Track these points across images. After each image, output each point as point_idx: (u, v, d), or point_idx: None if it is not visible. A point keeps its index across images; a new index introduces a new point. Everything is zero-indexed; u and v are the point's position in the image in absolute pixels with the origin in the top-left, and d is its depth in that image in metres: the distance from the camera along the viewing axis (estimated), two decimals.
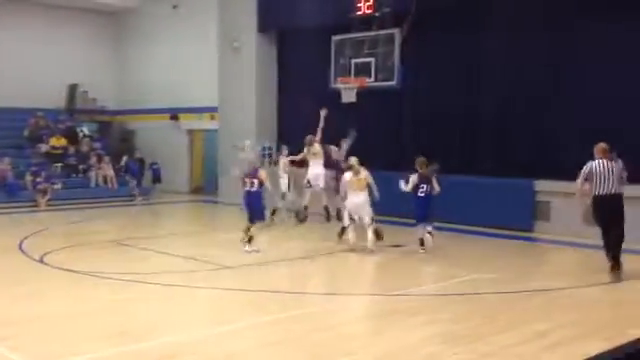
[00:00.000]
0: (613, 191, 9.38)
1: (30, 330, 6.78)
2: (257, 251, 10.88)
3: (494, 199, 13.73)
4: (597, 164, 9.46)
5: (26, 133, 20.64)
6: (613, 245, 9.43)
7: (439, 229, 13.53)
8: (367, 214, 11.24)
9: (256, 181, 10.91)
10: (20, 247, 11.52)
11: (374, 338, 6.55)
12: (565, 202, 13.03)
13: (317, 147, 13.62)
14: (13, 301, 7.96)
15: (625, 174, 9.56)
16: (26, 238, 12.37)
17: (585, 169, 9.51)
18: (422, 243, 11.07)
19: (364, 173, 11.29)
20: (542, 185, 13.42)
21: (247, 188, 11.05)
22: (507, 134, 14.37)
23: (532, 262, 11.22)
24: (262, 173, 11.05)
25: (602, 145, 9.63)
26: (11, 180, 17.97)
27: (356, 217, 11.27)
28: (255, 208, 11.00)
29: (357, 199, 11.20)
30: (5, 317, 7.23)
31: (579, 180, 9.57)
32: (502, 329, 6.80)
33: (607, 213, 9.44)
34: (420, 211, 11.04)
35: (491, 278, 9.29)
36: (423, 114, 15.81)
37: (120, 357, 5.98)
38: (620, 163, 9.57)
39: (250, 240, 10.97)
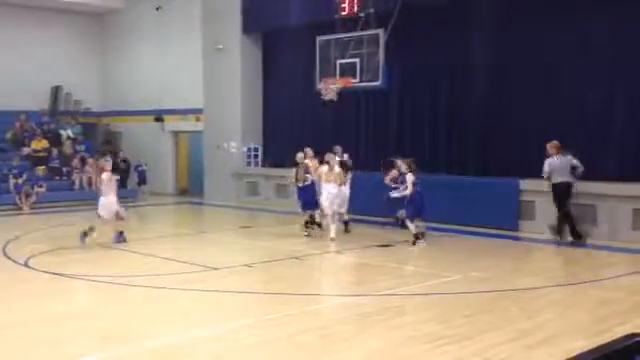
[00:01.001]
0: (566, 180, 11.99)
1: (14, 334, 6.73)
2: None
3: (479, 198, 13.81)
4: (554, 160, 11.96)
5: (9, 136, 20.46)
6: (569, 221, 12.00)
7: (427, 229, 13.62)
8: (341, 205, 12.75)
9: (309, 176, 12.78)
10: (4, 251, 11.42)
11: (359, 338, 6.57)
12: (549, 201, 13.16)
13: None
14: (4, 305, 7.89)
15: (579, 168, 11.92)
16: (10, 242, 12.27)
17: (546, 167, 12.01)
18: (423, 235, 11.90)
19: (338, 169, 12.66)
20: (527, 184, 13.52)
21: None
22: (491, 133, 14.47)
23: (517, 261, 11.29)
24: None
25: (556, 143, 12.04)
26: None
27: (334, 207, 12.49)
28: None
29: (332, 189, 12.50)
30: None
31: (546, 176, 12.08)
32: (487, 328, 6.84)
33: (563, 197, 12.02)
34: (418, 206, 11.86)
35: (476, 277, 9.35)
36: (408, 114, 15.91)
37: None
38: (569, 157, 11.98)
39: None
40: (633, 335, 2.59)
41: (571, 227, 12.06)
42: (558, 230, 12.15)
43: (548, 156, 12.09)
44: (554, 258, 11.70)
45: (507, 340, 6.43)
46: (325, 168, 12.73)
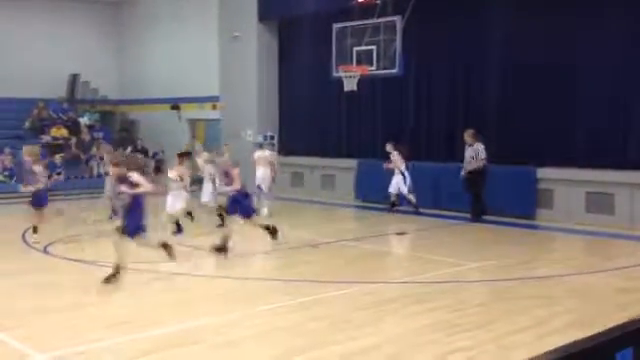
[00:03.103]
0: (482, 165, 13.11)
1: (37, 320, 6.81)
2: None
3: (496, 186, 13.70)
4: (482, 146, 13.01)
5: (27, 124, 20.65)
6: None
7: (442, 217, 13.58)
8: (266, 186, 14.05)
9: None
10: (23, 238, 11.55)
11: (373, 326, 6.56)
12: (567, 189, 13.05)
13: None
14: (19, 291, 7.99)
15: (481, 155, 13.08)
16: (29, 229, 12.40)
17: (481, 152, 13.04)
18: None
19: (268, 153, 14.40)
20: (544, 172, 13.40)
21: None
22: (509, 121, 14.32)
23: (534, 249, 11.20)
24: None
25: (473, 131, 13.20)
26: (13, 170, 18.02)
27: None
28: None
29: (259, 172, 13.93)
30: (12, 307, 7.27)
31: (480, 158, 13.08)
32: (501, 316, 6.80)
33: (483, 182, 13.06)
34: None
35: (493, 265, 9.30)
36: (424, 102, 15.78)
37: (125, 346, 6.01)
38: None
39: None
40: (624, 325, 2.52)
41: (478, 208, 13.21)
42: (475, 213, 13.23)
43: (469, 144, 13.22)
44: (573, 246, 11.60)
45: (523, 328, 6.39)
46: (256, 153, 14.45)
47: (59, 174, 18.55)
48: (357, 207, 15.95)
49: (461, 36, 14.89)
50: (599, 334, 2.40)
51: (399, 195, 14.43)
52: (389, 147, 14.38)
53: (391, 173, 14.34)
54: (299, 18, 17.86)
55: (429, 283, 8.32)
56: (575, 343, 2.24)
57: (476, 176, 13.11)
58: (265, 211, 13.77)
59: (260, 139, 18.37)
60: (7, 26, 21.29)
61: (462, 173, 13.29)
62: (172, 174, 12.05)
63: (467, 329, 6.36)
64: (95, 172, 19.73)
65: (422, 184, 14.55)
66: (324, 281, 8.45)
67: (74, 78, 22.87)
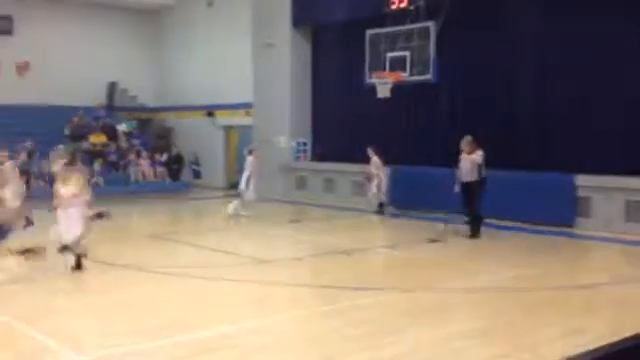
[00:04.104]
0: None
1: (72, 322, 6.95)
2: None
3: (534, 194, 13.50)
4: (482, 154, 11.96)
5: (67, 131, 21.09)
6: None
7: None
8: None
9: None
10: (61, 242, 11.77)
11: (407, 332, 6.53)
12: (607, 198, 12.79)
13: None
14: (56, 294, 8.17)
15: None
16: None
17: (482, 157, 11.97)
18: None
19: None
20: (583, 180, 13.15)
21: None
22: (546, 128, 14.13)
23: (574, 258, 11.02)
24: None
25: (471, 138, 12.16)
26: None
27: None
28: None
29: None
30: (48, 309, 7.44)
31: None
32: (539, 325, 6.71)
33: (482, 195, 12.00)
34: None
35: (530, 274, 9.17)
36: (459, 108, 15.66)
37: (161, 350, 6.09)
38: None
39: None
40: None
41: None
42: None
43: (467, 153, 12.14)
44: (612, 255, 11.37)
45: (560, 337, 6.29)
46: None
47: (98, 180, 18.89)
48: (391, 214, 15.87)
49: (495, 41, 14.75)
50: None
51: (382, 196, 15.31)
52: (370, 151, 15.10)
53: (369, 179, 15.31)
54: (332, 25, 17.92)
55: (464, 291, 8.24)
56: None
57: (475, 188, 11.99)
58: (230, 207, 14.88)
59: (293, 144, 18.53)
60: (47, 35, 21.81)
61: (456, 188, 12.09)
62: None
63: (502, 338, 6.29)
64: (132, 178, 20.11)
65: (450, 189, 14.41)
66: (357, 288, 8.44)
67: (112, 86, 23.33)
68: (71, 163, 9.40)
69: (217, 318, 7.10)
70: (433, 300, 7.82)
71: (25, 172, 18.15)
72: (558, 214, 13.26)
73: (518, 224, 13.31)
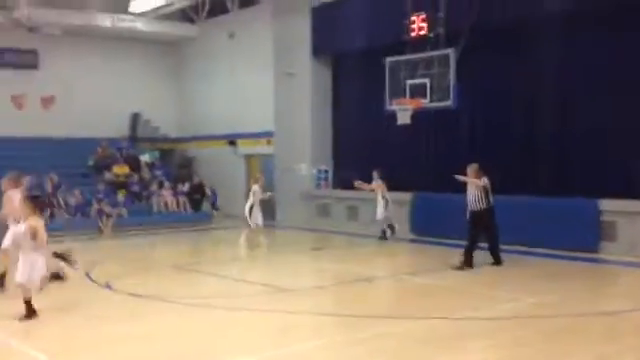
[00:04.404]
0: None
1: (96, 353, 6.99)
2: None
3: (557, 220, 13.35)
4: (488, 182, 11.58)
5: (91, 162, 21.40)
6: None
7: (501, 251, 13.29)
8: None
9: None
10: (87, 273, 11.90)
11: None
12: (632, 222, 12.61)
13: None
14: (80, 325, 8.22)
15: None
16: (92, 264, 12.77)
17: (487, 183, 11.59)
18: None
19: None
20: (607, 204, 12.98)
21: None
22: (568, 153, 14.04)
23: (597, 284, 10.85)
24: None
25: (477, 165, 11.82)
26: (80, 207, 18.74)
27: None
28: None
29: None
30: (72, 340, 7.48)
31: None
32: (565, 352, 6.59)
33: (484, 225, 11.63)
34: None
35: (553, 300, 9.04)
36: (480, 133, 15.62)
37: None
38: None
39: None
40: None
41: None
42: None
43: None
44: (637, 281, 11.16)
45: None
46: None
47: (121, 210, 19.09)
48: (411, 241, 15.80)
49: (514, 66, 14.76)
50: None
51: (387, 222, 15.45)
52: (375, 175, 15.42)
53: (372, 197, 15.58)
54: (352, 53, 18.08)
55: (487, 319, 8.14)
56: None
57: (482, 217, 11.58)
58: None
59: (314, 172, 18.62)
60: (71, 68, 22.25)
61: (467, 215, 11.79)
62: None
63: None
64: (155, 208, 20.29)
65: None
66: (378, 316, 8.38)
67: (135, 117, 23.66)
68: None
69: (238, 348, 7.09)
70: (455, 328, 7.73)
71: (49, 204, 18.52)
72: (582, 239, 13.08)
73: (541, 250, 13.15)
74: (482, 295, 9.84)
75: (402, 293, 10.33)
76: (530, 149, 14.72)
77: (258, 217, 14.98)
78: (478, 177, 11.67)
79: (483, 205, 11.57)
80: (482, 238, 11.83)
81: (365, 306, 9.07)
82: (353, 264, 12.61)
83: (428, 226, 15.57)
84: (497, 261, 11.80)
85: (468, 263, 11.47)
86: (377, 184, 15.39)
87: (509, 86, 14.99)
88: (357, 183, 15.85)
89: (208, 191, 21.51)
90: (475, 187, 11.62)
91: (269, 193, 16.25)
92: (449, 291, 10.09)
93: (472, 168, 11.86)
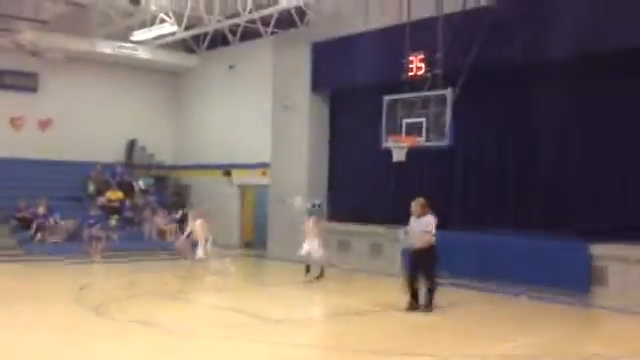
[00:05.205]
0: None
1: None
2: None
3: (547, 262, 13.38)
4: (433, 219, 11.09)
5: (91, 188, 21.34)
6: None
7: (492, 291, 13.30)
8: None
9: None
10: (75, 298, 11.82)
11: None
12: (624, 267, 12.65)
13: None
14: (65, 350, 8.14)
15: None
16: (81, 289, 12.69)
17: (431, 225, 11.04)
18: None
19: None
20: (598, 249, 13.04)
21: None
22: (560, 196, 14.14)
23: (587, 328, 10.86)
24: None
25: (423, 200, 11.35)
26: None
27: None
28: None
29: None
30: None
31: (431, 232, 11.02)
32: None
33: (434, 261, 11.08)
34: None
35: (544, 342, 9.03)
36: (474, 172, 15.77)
37: None
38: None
39: None
40: None
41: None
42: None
43: (417, 216, 11.29)
44: (627, 327, 11.16)
45: None
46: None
47: (110, 235, 19.02)
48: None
49: (512, 109, 14.99)
50: None
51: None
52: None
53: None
54: (350, 89, 18.28)
55: (476, 357, 8.11)
56: None
57: (426, 254, 11.09)
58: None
59: (308, 205, 18.64)
60: (70, 92, 22.39)
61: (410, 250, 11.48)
62: None
63: None
64: (147, 235, 20.22)
65: (469, 254, 14.38)
66: (365, 350, 8.34)
67: (132, 143, 23.73)
68: None
69: None
70: None
71: (41, 226, 18.47)
72: (573, 282, 13.09)
73: (531, 292, 13.14)
74: (472, 334, 9.80)
75: (391, 329, 10.28)
76: (523, 189, 14.84)
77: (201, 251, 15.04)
78: (424, 212, 11.20)
79: (425, 243, 11.01)
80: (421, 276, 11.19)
81: (353, 341, 9.02)
82: (346, 297, 12.57)
83: None
84: (427, 305, 11.06)
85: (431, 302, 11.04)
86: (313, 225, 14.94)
87: (504, 126, 15.21)
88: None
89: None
90: (421, 223, 11.10)
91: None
92: (438, 329, 10.07)
93: (418, 203, 11.35)
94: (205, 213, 15.69)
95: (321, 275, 14.52)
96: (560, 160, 14.23)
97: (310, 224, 14.80)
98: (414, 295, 11.09)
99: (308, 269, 14.50)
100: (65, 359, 7.67)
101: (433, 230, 11.04)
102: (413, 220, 11.29)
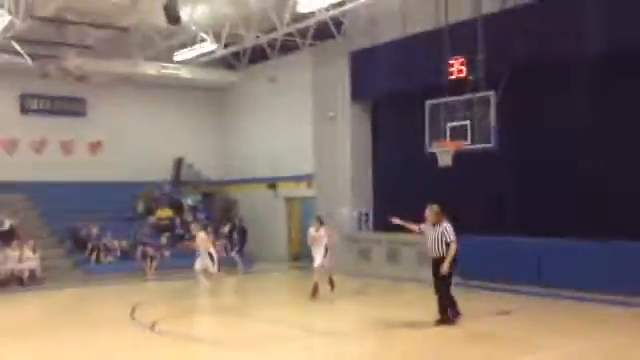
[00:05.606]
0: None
1: None
2: None
3: (611, 261, 12.94)
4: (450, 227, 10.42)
5: (141, 208, 21.78)
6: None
7: (549, 295, 12.97)
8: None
9: None
10: (131, 315, 12.04)
11: None
12: None
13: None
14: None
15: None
16: (136, 306, 12.92)
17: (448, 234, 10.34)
18: None
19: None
20: None
21: None
22: (613, 193, 13.75)
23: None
24: None
25: (438, 207, 10.57)
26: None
27: None
28: None
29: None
30: None
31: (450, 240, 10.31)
32: None
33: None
34: None
35: (601, 347, 8.76)
36: (523, 176, 15.46)
37: None
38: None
39: None
40: None
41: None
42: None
43: (432, 224, 10.58)
44: None
45: None
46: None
47: (163, 253, 19.32)
48: (457, 284, 15.50)
49: (558, 109, 14.65)
50: None
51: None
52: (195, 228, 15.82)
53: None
54: (392, 96, 18.20)
55: None
56: None
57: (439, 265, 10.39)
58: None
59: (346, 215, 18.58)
60: (118, 115, 22.98)
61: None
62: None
63: None
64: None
65: (521, 259, 14.10)
66: None
67: (179, 161, 24.14)
68: None
69: None
70: None
71: (95, 246, 18.92)
72: (636, 285, 12.64)
73: (592, 295, 12.75)
74: (528, 341, 9.58)
75: (445, 340, 10.13)
76: (574, 189, 14.47)
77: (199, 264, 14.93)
78: (438, 220, 10.48)
79: (442, 252, 10.32)
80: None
81: (408, 352, 8.93)
82: (396, 309, 12.45)
83: (474, 269, 15.31)
84: (441, 318, 10.40)
85: (450, 316, 10.39)
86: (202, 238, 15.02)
87: (552, 128, 14.86)
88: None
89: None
90: (436, 231, 10.42)
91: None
92: (493, 337, 9.87)
93: (431, 210, 10.59)
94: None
95: (332, 285, 13.84)
96: (611, 159, 13.81)
97: (321, 233, 13.73)
98: (443, 306, 10.47)
99: (316, 289, 13.56)
100: None
101: (451, 238, 10.32)
102: (427, 227, 10.62)
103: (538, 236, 14.47)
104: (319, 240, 13.68)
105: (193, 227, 15.96)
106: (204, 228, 16.17)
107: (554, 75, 14.41)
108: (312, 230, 13.79)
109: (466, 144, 14.13)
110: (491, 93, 13.79)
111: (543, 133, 15.11)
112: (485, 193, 16.15)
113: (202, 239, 14.98)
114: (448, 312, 10.39)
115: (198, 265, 14.79)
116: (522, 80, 14.13)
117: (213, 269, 14.72)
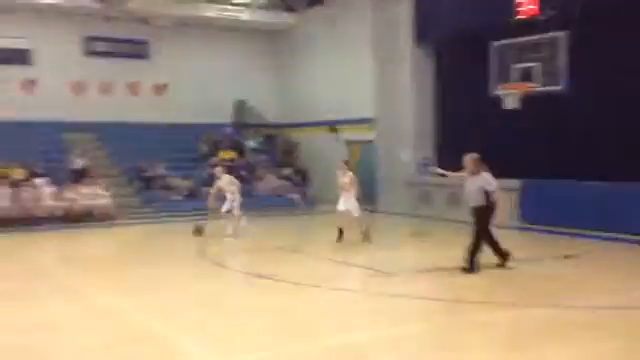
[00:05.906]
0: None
1: (210, 326, 7.40)
2: None
3: None
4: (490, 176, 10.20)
5: (204, 148, 22.22)
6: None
7: (609, 239, 12.77)
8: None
9: None
10: (201, 252, 12.51)
11: (537, 350, 6.35)
12: None
13: None
14: (196, 299, 8.70)
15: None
16: (206, 243, 13.40)
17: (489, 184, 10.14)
18: None
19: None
20: None
21: None
22: None
23: None
24: None
25: (477, 156, 10.37)
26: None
27: None
28: None
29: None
30: (188, 314, 7.96)
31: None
32: None
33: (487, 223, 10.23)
34: None
35: None
36: (592, 118, 14.97)
37: (291, 357, 6.34)
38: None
39: None
40: None
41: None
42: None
43: (471, 173, 10.32)
44: None
45: None
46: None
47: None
48: (520, 228, 15.40)
49: (629, 51, 13.99)
50: None
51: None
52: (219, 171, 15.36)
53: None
54: (455, 37, 17.73)
55: (598, 309, 7.89)
56: None
57: (480, 214, 10.19)
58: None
59: (407, 158, 18.50)
60: (179, 57, 23.26)
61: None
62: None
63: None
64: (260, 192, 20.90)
65: (587, 204, 13.83)
66: (484, 302, 8.31)
67: (240, 104, 24.38)
68: None
69: (343, 328, 7.31)
70: (565, 318, 7.55)
71: (163, 185, 19.49)
72: None
73: None
74: (593, 284, 9.52)
75: (509, 280, 10.14)
76: None
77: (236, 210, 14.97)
78: (477, 170, 10.25)
79: (481, 201, 10.13)
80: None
81: (470, 292, 9.01)
82: (457, 251, 12.49)
83: (538, 214, 15.13)
84: (468, 266, 10.12)
85: (472, 266, 10.11)
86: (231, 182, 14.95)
87: (622, 70, 14.24)
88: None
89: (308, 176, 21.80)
90: (476, 182, 10.19)
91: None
92: (557, 280, 9.83)
93: (470, 158, 10.35)
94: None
95: (367, 236, 13.48)
96: None
97: (346, 179, 13.56)
98: (497, 251, 10.47)
99: (341, 232, 13.39)
100: (197, 310, 8.18)
101: (492, 188, 10.11)
102: (466, 175, 10.39)
103: (605, 181, 14.12)
104: (346, 186, 13.45)
105: (217, 170, 15.84)
106: (228, 171, 16.05)
107: (629, 13, 13.72)
108: (340, 174, 13.59)
109: (534, 86, 13.75)
110: (560, 34, 13.29)
111: (616, 76, 14.50)
112: (552, 137, 15.75)
113: (226, 182, 15.05)
114: (473, 261, 10.14)
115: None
116: (594, 20, 13.52)
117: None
